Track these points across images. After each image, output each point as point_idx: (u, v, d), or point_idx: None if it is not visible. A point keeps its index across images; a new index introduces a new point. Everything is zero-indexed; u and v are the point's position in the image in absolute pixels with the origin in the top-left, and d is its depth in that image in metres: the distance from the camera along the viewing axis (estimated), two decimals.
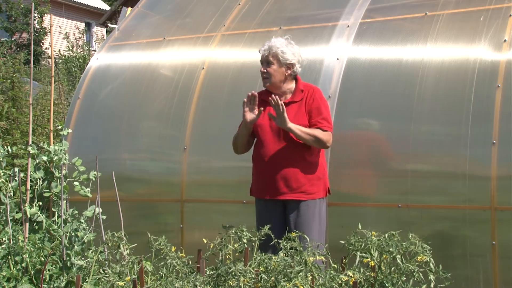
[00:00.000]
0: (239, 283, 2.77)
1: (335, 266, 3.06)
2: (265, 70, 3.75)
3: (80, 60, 16.51)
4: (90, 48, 19.76)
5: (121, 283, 2.84)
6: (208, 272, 2.98)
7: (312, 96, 3.73)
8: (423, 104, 4.06)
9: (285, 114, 3.56)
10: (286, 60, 3.74)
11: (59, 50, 17.48)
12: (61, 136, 4.56)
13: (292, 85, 3.79)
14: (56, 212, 3.94)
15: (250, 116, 3.70)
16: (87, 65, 5.60)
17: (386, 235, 2.98)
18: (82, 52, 17.72)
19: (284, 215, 3.71)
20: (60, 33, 19.21)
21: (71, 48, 17.85)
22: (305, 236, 3.29)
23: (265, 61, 3.75)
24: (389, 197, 4.06)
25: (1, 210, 3.89)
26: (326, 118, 3.71)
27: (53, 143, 4.16)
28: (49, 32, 19.72)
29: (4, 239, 3.72)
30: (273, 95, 3.58)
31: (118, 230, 3.36)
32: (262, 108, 3.68)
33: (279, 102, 3.54)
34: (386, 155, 4.14)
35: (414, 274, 2.86)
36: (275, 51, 3.74)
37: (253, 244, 3.29)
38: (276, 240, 3.12)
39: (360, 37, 4.49)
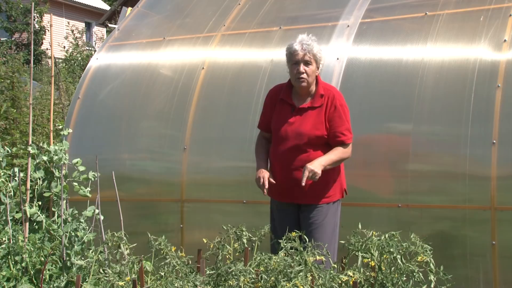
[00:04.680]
0: (239, 283, 2.77)
1: (335, 266, 3.07)
2: (304, 71, 3.56)
3: (82, 60, 16.53)
4: (91, 48, 19.78)
5: (121, 283, 2.84)
6: (208, 272, 2.98)
7: (333, 103, 3.60)
8: (423, 104, 4.06)
9: (316, 177, 3.46)
10: (320, 60, 3.62)
11: (64, 47, 17.47)
12: (61, 136, 4.56)
13: (314, 86, 3.66)
14: (56, 212, 3.95)
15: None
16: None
17: (387, 235, 2.98)
18: (85, 52, 17.75)
19: (298, 217, 3.66)
20: (66, 29, 19.20)
21: (75, 47, 17.86)
22: (318, 238, 3.29)
23: (304, 61, 3.56)
24: (389, 197, 4.06)
25: (1, 210, 3.89)
26: (348, 128, 3.62)
27: (53, 143, 4.17)
28: (49, 31, 19.75)
29: (4, 239, 3.72)
30: (304, 180, 3.45)
31: (118, 230, 3.36)
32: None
33: (308, 179, 3.45)
34: (386, 155, 4.14)
35: (414, 274, 2.86)
36: (315, 51, 3.58)
37: (253, 244, 3.28)
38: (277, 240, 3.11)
39: (360, 37, 4.50)
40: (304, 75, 3.57)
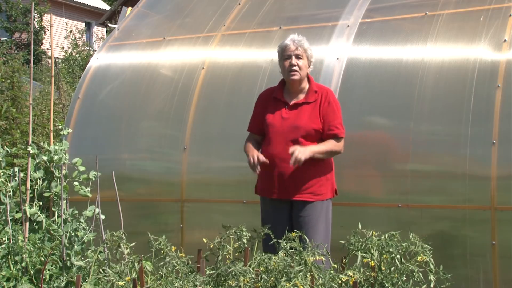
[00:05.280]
0: (239, 283, 2.77)
1: (335, 266, 3.07)
2: (295, 63, 3.68)
3: (82, 59, 16.53)
4: (90, 48, 19.78)
5: (121, 283, 2.84)
6: (208, 272, 2.98)
7: (327, 99, 3.70)
8: (423, 104, 4.06)
9: (302, 157, 3.50)
10: (311, 57, 3.75)
11: (63, 47, 17.47)
12: (61, 136, 4.56)
13: (306, 84, 3.76)
14: (56, 212, 3.94)
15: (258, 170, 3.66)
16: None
17: (386, 235, 2.98)
18: (84, 52, 17.75)
19: (290, 215, 3.70)
20: (64, 30, 19.21)
21: (74, 48, 17.87)
22: (311, 236, 3.29)
23: (295, 55, 3.68)
24: (389, 197, 4.06)
25: (1, 210, 3.89)
26: (341, 123, 3.72)
27: (53, 143, 4.17)
28: (49, 31, 19.75)
29: (4, 239, 3.72)
30: (290, 149, 3.52)
31: (118, 230, 3.36)
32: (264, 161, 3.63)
33: (294, 155, 3.49)
34: (386, 154, 4.14)
35: (414, 274, 2.86)
36: (306, 47, 3.71)
37: (253, 244, 3.28)
38: (276, 240, 3.11)
39: (360, 37, 4.49)
40: (296, 68, 3.68)
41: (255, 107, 3.90)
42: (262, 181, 3.78)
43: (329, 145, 3.66)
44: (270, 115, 3.73)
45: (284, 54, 3.72)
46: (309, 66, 3.76)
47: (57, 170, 4.00)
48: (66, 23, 20.59)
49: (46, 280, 3.47)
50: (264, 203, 3.80)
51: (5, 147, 4.21)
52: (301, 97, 3.74)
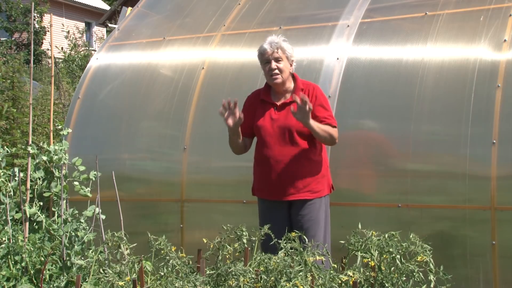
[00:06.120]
0: (239, 283, 2.77)
1: (335, 266, 3.07)
2: (275, 67, 3.67)
3: (81, 60, 16.53)
4: (90, 48, 19.78)
5: (121, 283, 2.84)
6: (208, 272, 2.98)
7: (314, 94, 3.70)
8: (423, 104, 4.06)
9: (309, 113, 3.50)
10: (291, 57, 3.74)
11: (62, 48, 17.48)
12: (61, 136, 4.56)
13: (291, 83, 3.76)
14: (56, 212, 3.94)
15: (231, 121, 3.66)
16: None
17: (386, 235, 2.98)
18: (83, 52, 17.76)
19: (289, 214, 3.70)
20: (62, 31, 19.23)
21: (73, 48, 17.87)
22: (313, 233, 3.29)
23: (274, 58, 3.67)
24: (389, 197, 4.06)
25: (1, 210, 3.89)
26: (331, 115, 3.72)
27: (53, 143, 4.17)
28: (49, 31, 19.75)
29: (4, 238, 3.72)
30: (301, 93, 3.53)
31: (118, 230, 3.36)
32: (242, 115, 3.63)
33: (306, 99, 3.45)
34: (386, 155, 4.14)
35: (414, 274, 2.86)
36: (283, 47, 3.70)
37: (253, 244, 3.28)
38: (276, 240, 3.11)
39: (360, 37, 4.49)
40: (277, 71, 3.68)
41: (244, 109, 3.85)
42: (259, 183, 3.78)
43: (327, 127, 3.64)
44: (260, 118, 3.74)
45: (263, 59, 3.72)
46: (291, 65, 3.74)
47: (57, 170, 4.00)
48: (63, 24, 20.56)
49: (46, 280, 3.47)
50: (261, 204, 3.80)
51: (5, 147, 4.20)
52: (288, 96, 3.74)
